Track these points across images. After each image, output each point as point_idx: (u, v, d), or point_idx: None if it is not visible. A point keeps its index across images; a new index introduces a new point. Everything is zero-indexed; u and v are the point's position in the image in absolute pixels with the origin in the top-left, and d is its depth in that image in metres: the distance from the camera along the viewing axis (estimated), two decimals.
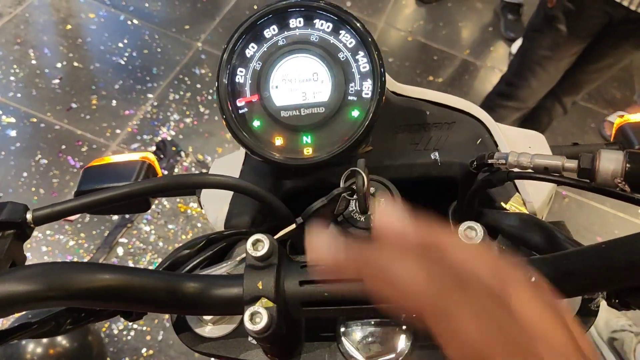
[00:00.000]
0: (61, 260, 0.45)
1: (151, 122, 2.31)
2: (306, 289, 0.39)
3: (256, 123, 0.49)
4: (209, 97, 2.44)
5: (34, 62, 2.39)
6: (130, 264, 1.85)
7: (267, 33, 0.49)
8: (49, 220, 0.45)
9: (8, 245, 0.42)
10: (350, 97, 0.48)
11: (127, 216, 1.92)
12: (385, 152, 0.52)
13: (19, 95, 2.27)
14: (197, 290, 0.40)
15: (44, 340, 1.44)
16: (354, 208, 0.45)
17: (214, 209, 0.53)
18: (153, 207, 2.01)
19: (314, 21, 0.49)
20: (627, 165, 0.34)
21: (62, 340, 1.36)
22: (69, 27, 2.58)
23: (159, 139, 2.25)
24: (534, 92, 2.06)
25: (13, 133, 2.15)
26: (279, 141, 0.49)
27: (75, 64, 2.44)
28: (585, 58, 1.97)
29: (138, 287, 0.39)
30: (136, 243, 1.89)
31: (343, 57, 0.48)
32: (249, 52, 0.49)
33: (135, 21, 2.67)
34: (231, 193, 0.53)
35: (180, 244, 0.48)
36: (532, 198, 0.49)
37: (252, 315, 0.37)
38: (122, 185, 0.45)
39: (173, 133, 2.29)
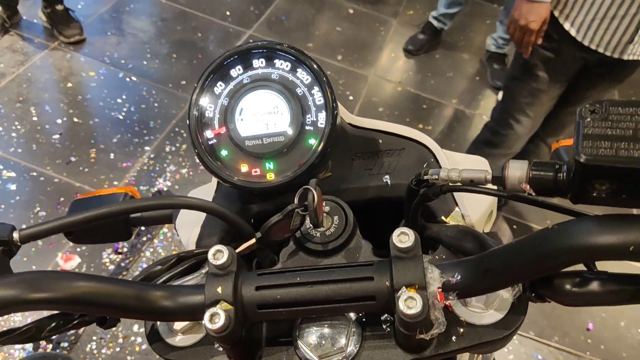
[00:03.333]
0: (43, 270, 0.50)
1: (148, 174, 2.37)
2: (261, 293, 0.43)
3: (224, 152, 0.54)
4: None
5: (35, 118, 2.48)
6: None
7: (233, 72, 0.55)
8: (34, 239, 0.50)
9: None
10: (307, 127, 0.53)
11: (122, 264, 1.96)
12: (342, 177, 0.57)
13: (19, 150, 2.34)
14: (163, 298, 0.44)
15: None
16: (310, 225, 0.50)
17: (186, 232, 0.58)
18: (148, 254, 2.05)
19: (275, 61, 0.55)
20: (531, 172, 0.39)
21: None
22: (69, 85, 2.68)
23: (156, 189, 2.31)
24: (519, 138, 2.13)
25: (13, 187, 2.21)
26: (244, 168, 0.54)
27: (75, 119, 2.52)
28: (565, 100, 2.04)
29: (111, 294, 0.43)
30: None
31: (300, 92, 0.54)
32: (217, 90, 0.55)
33: (133, 78, 2.78)
34: (202, 218, 0.58)
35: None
36: (470, 212, 0.54)
37: (212, 316, 0.41)
38: (102, 206, 0.50)
39: (169, 184, 2.35)
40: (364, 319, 0.47)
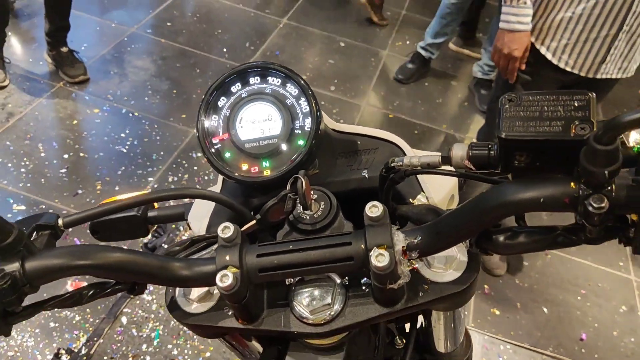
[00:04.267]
0: (85, 244, 0.59)
1: None
2: (261, 260, 0.53)
3: (227, 154, 0.65)
4: (206, 178, 2.63)
5: (42, 154, 2.59)
6: (134, 332, 1.95)
7: (233, 88, 0.66)
8: (74, 224, 0.60)
9: (45, 241, 0.56)
10: (296, 131, 0.64)
11: None
12: (328, 173, 0.67)
13: (28, 184, 2.45)
14: (181, 268, 0.54)
15: None
16: (301, 209, 0.60)
17: (197, 224, 0.68)
18: None
19: (268, 78, 0.66)
20: (470, 151, 0.50)
21: None
22: (75, 122, 2.81)
23: None
24: None
25: None
26: (245, 166, 0.64)
27: (81, 154, 2.64)
28: None
29: (139, 263, 0.53)
30: (139, 312, 2.00)
31: (290, 102, 0.65)
32: (220, 103, 0.66)
33: (136, 113, 2.91)
34: (211, 210, 0.68)
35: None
36: (433, 195, 0.64)
37: (222, 277, 0.51)
38: (127, 196, 0.60)
39: None
40: (347, 283, 0.57)
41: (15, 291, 0.49)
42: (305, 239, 0.54)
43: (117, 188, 2.51)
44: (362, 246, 0.51)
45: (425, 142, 3.18)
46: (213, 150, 0.65)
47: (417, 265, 0.56)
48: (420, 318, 0.74)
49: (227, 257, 0.52)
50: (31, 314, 0.54)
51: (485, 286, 2.45)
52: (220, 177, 0.70)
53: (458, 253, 0.56)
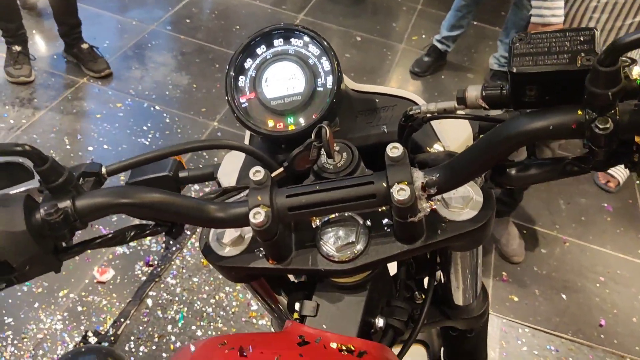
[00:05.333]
0: (133, 185, 0.63)
1: None
2: (291, 199, 0.56)
3: (254, 112, 0.69)
4: None
5: (68, 147, 2.66)
6: (160, 314, 2.00)
7: (259, 50, 0.70)
8: (116, 172, 0.64)
9: (90, 187, 0.61)
10: (319, 88, 0.68)
11: (154, 271, 2.10)
12: (348, 129, 0.71)
13: None
14: (217, 210, 0.58)
15: None
16: (325, 160, 0.64)
17: (227, 179, 0.72)
18: (178, 262, 2.19)
19: (291, 39, 0.70)
20: (484, 91, 0.53)
21: None
22: (98, 115, 2.88)
23: None
24: None
25: None
26: (271, 123, 0.68)
27: (105, 146, 2.71)
28: None
29: (178, 204, 0.57)
30: (164, 295, 2.05)
31: (312, 62, 0.69)
32: (246, 65, 0.70)
33: (157, 107, 2.97)
34: (239, 166, 0.72)
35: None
36: (449, 143, 0.68)
37: (255, 214, 0.55)
38: (166, 147, 0.64)
39: None
40: (369, 224, 0.60)
41: (67, 225, 0.53)
42: (331, 180, 0.58)
43: None
44: (384, 184, 0.54)
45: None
46: (241, 108, 0.69)
47: (435, 206, 0.59)
48: (439, 274, 0.78)
49: (259, 197, 0.56)
50: (79, 251, 0.59)
51: (504, 273, 2.47)
52: (247, 138, 0.74)
53: (474, 193, 0.59)
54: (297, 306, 0.63)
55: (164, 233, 0.64)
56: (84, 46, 3.06)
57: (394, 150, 0.55)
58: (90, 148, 2.69)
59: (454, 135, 0.69)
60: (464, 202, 0.59)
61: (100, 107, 2.93)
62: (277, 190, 0.58)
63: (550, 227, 2.74)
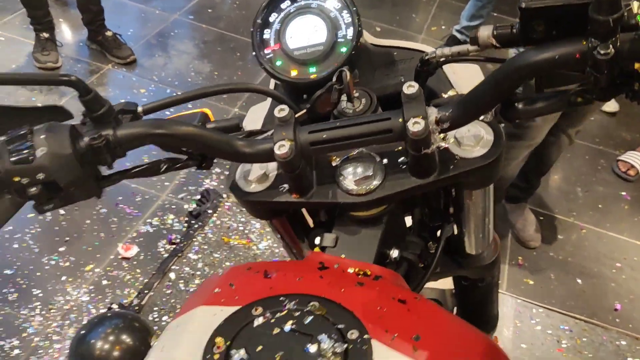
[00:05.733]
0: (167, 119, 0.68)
1: (197, 175, 2.60)
2: (313, 135, 0.61)
3: (279, 62, 0.73)
4: None
5: None
6: (182, 287, 2.07)
7: (283, 5, 0.75)
8: (151, 112, 0.69)
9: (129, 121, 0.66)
10: (339, 39, 0.72)
11: (177, 247, 2.17)
12: (367, 81, 0.75)
13: None
14: (244, 146, 0.63)
15: (111, 337, 1.62)
16: (345, 105, 0.68)
17: (252, 125, 0.77)
18: (199, 238, 2.25)
19: None
20: (495, 30, 0.57)
21: (126, 338, 1.56)
22: (122, 101, 2.94)
23: (203, 188, 2.52)
24: (540, 129, 2.26)
25: None
26: (294, 72, 0.73)
27: None
28: None
29: (209, 137, 0.62)
30: (185, 269, 2.12)
31: (333, 15, 0.73)
32: (271, 18, 0.75)
33: (179, 93, 3.03)
34: (264, 115, 0.76)
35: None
36: (462, 90, 0.72)
37: (280, 146, 0.59)
38: (194, 89, 0.69)
39: (215, 183, 2.56)
40: (386, 162, 0.65)
41: (108, 151, 0.59)
42: (350, 118, 0.62)
43: None
44: (400, 119, 0.59)
45: None
46: (266, 59, 0.74)
47: (448, 145, 0.63)
48: (454, 227, 0.81)
49: (283, 133, 0.61)
50: (118, 179, 0.64)
51: (519, 258, 2.49)
52: (272, 86, 0.79)
53: (485, 133, 0.63)
54: (317, 240, 0.67)
55: (194, 167, 0.69)
56: (108, 34, 3.14)
57: (410, 88, 0.59)
58: None
59: (467, 82, 0.72)
60: (475, 140, 0.63)
61: (124, 93, 3.01)
62: (299, 128, 0.62)
63: (567, 214, 2.75)
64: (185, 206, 2.44)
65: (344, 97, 0.67)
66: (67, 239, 2.26)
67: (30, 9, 2.90)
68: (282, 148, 0.59)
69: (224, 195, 2.44)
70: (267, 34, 0.75)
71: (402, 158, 0.64)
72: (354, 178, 0.63)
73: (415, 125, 0.57)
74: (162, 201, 2.46)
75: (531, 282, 2.39)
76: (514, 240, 2.58)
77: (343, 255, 0.64)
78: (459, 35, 3.62)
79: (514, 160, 2.35)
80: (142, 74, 3.15)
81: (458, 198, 0.74)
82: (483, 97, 0.57)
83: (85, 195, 0.61)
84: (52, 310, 2.02)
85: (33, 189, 0.56)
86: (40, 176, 0.55)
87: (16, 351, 1.90)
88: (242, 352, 0.50)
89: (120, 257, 2.21)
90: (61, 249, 2.22)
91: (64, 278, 2.12)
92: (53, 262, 2.17)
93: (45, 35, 3.02)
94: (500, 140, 0.62)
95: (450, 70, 0.74)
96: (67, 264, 2.17)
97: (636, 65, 0.49)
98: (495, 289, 0.95)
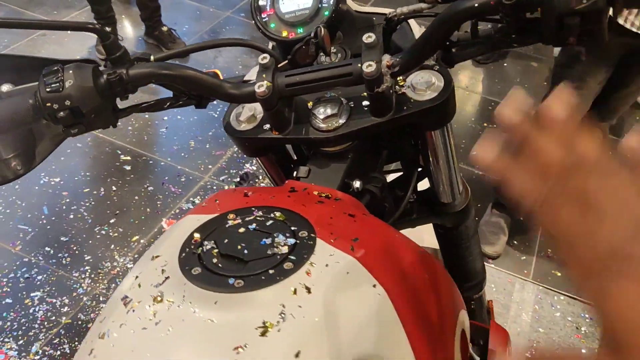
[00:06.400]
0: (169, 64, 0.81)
1: (237, 160, 2.76)
2: (288, 78, 0.73)
3: (272, 25, 0.86)
4: None
5: (146, 116, 2.95)
6: None
7: None
8: (162, 60, 0.82)
9: None
10: (323, 4, 0.83)
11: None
12: (350, 42, 0.86)
13: (134, 140, 2.82)
14: (232, 87, 0.75)
15: None
16: (324, 59, 0.80)
17: (250, 76, 0.90)
18: None
19: None
20: None
21: None
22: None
23: (243, 172, 2.68)
24: None
25: (128, 167, 2.67)
26: (285, 33, 0.85)
27: (179, 117, 2.98)
28: (613, 84, 2.18)
29: (206, 80, 0.75)
30: None
31: None
32: None
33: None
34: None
35: None
36: None
37: (259, 86, 0.71)
38: (199, 43, 0.82)
39: (254, 168, 2.72)
40: (352, 105, 0.76)
41: (121, 86, 0.72)
42: (320, 65, 0.74)
43: (207, 146, 2.82)
44: (359, 64, 0.70)
45: None
46: (263, 23, 0.86)
47: (404, 90, 0.74)
48: (425, 182, 0.91)
49: (264, 75, 0.73)
50: (130, 111, 0.78)
51: (549, 250, 2.51)
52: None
53: (436, 80, 0.73)
54: (295, 173, 0.79)
55: (193, 105, 0.82)
56: (164, 29, 3.37)
57: (369, 38, 0.70)
58: (165, 118, 2.96)
59: None
60: (427, 86, 0.73)
61: None
62: (279, 73, 0.74)
63: None
64: (226, 187, 2.61)
65: (323, 54, 0.79)
66: (117, 212, 2.46)
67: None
68: (261, 87, 0.72)
69: (260, 177, 2.59)
70: (264, 0, 0.87)
71: (365, 102, 0.75)
72: (322, 117, 0.75)
73: (368, 68, 0.68)
74: (205, 182, 2.63)
75: (559, 274, 2.41)
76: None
77: (312, 183, 0.75)
78: None
79: None
80: (194, 65, 3.30)
81: (422, 143, 0.84)
82: (425, 45, 0.67)
83: (103, 123, 0.75)
84: (100, 274, 2.22)
85: (61, 114, 0.70)
86: (67, 103, 0.70)
87: (66, 308, 2.10)
88: (212, 243, 0.62)
89: (163, 230, 2.39)
90: (111, 221, 2.43)
91: (112, 246, 2.32)
92: (103, 232, 2.38)
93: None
94: (449, 85, 0.73)
95: (417, 28, 0.84)
96: (116, 234, 2.37)
97: (534, 14, 0.58)
98: (474, 242, 1.03)
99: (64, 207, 2.47)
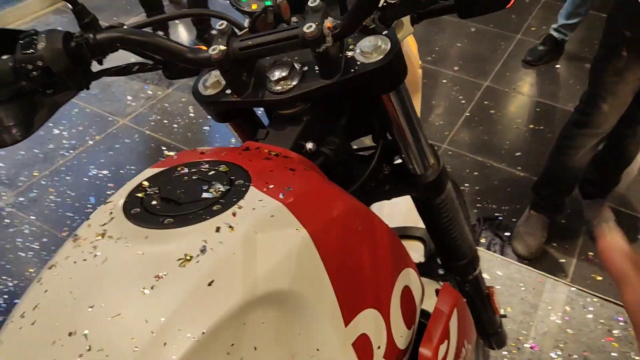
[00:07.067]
0: (134, 29, 0.86)
1: None
2: (241, 42, 0.76)
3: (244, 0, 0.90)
4: None
5: (192, 114, 3.09)
6: None
7: None
8: (138, 27, 0.88)
9: None
10: None
11: None
12: None
13: (179, 137, 2.94)
14: (190, 52, 0.79)
15: None
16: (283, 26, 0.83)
17: None
18: None
19: None
20: None
21: None
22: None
23: None
24: (606, 117, 2.21)
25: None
26: (254, 6, 0.88)
27: None
28: None
29: (169, 46, 0.79)
30: None
31: None
32: None
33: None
34: None
35: None
36: None
37: (213, 49, 0.75)
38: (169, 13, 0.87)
39: None
40: (305, 69, 0.78)
41: (89, 49, 0.78)
42: (272, 30, 0.77)
43: None
44: (305, 28, 0.73)
45: (546, 119, 3.16)
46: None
47: (353, 54, 0.76)
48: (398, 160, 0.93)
49: (220, 40, 0.77)
50: (99, 75, 0.83)
51: (590, 253, 2.41)
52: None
53: (383, 43, 0.74)
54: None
55: (161, 70, 0.87)
56: (213, 32, 3.51)
57: (313, 2, 0.73)
58: (209, 117, 3.07)
59: None
60: (374, 49, 0.75)
61: None
62: (234, 38, 0.78)
63: None
64: None
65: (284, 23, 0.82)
66: None
67: (148, 9, 3.33)
68: (214, 50, 0.76)
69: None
70: None
71: (317, 67, 0.78)
72: (275, 79, 0.78)
73: (309, 29, 0.70)
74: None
75: (599, 278, 2.31)
76: (587, 236, 2.50)
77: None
78: (555, 34, 3.55)
79: (582, 149, 2.30)
80: None
81: (383, 112, 0.85)
82: (361, 7, 0.69)
83: (75, 84, 0.81)
84: None
85: (34, 73, 0.77)
86: (39, 63, 0.76)
87: None
88: (156, 188, 0.67)
89: None
90: None
91: None
92: None
93: (160, 33, 3.44)
94: (395, 47, 0.74)
95: None
96: None
97: None
98: (456, 219, 1.02)
99: None
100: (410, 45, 0.94)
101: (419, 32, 3.95)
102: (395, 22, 0.87)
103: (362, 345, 0.66)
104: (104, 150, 2.86)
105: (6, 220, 2.50)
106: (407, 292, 0.77)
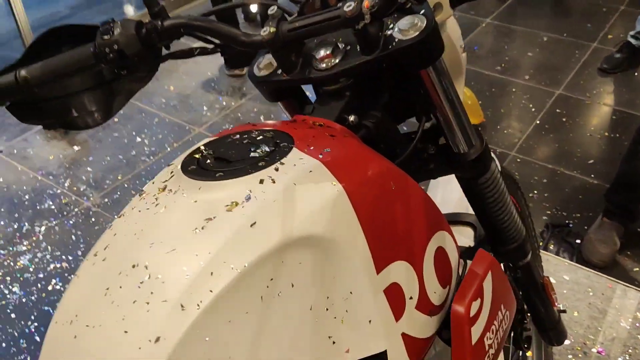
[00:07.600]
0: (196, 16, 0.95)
1: None
2: (290, 24, 0.83)
3: None
4: None
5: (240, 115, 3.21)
6: None
7: None
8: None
9: None
10: None
11: None
12: None
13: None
14: (244, 36, 0.86)
15: None
16: None
17: None
18: None
19: None
20: None
21: None
22: None
23: None
24: None
25: None
26: None
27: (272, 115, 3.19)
28: None
29: (226, 30, 0.87)
30: None
31: None
32: None
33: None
34: None
35: None
36: None
37: (263, 31, 0.83)
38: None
39: None
40: (348, 48, 0.85)
41: (156, 34, 0.88)
42: (318, 12, 0.84)
43: None
44: (344, 7, 0.79)
45: (622, 128, 3.05)
46: None
47: (392, 32, 0.81)
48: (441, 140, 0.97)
49: (270, 23, 0.85)
50: (167, 58, 0.93)
51: None
52: None
53: (420, 21, 0.80)
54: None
55: (219, 53, 0.96)
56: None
57: None
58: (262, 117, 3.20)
59: None
60: (411, 26, 0.80)
61: None
62: (284, 21, 0.86)
63: None
64: None
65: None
66: None
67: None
68: (265, 32, 0.84)
69: None
70: None
71: (358, 45, 0.84)
72: (319, 57, 0.85)
73: (348, 7, 0.77)
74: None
75: None
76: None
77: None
78: (633, 41, 3.43)
79: None
80: None
81: (423, 89, 0.90)
82: None
83: (146, 66, 0.91)
84: None
85: (111, 55, 0.88)
86: (115, 47, 0.87)
87: None
88: (210, 150, 0.76)
89: None
90: None
91: None
92: None
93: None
94: (430, 24, 0.79)
95: None
96: None
97: None
98: (504, 200, 1.04)
99: None
100: (452, 28, 0.98)
101: (487, 41, 3.94)
102: (434, 3, 0.92)
103: (394, 292, 0.71)
104: (162, 148, 3.05)
105: (92, 219, 2.71)
106: (441, 251, 0.80)
